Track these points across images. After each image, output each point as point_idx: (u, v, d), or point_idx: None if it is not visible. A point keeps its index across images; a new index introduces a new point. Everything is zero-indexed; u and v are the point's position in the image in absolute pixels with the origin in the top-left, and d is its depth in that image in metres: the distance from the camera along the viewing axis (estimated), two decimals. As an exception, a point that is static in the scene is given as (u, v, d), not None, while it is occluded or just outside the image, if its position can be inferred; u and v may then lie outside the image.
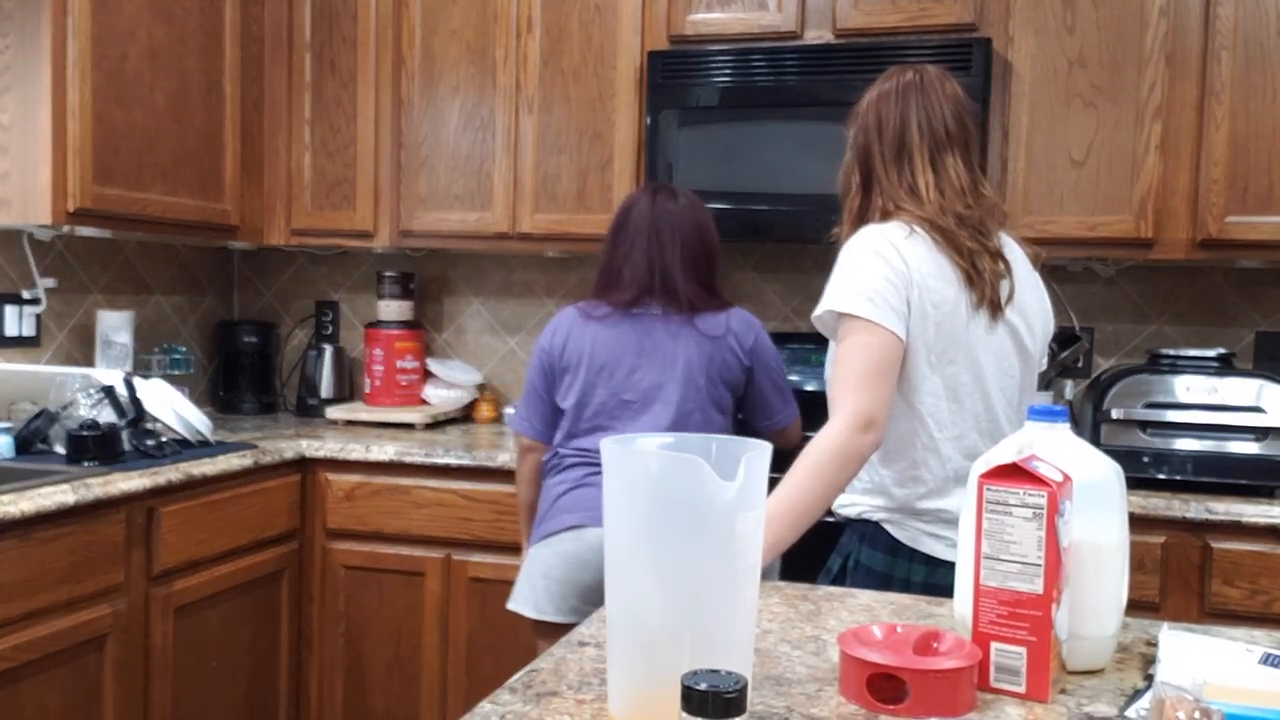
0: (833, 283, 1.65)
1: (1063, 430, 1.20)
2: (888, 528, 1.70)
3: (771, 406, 2.31)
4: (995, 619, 1.09)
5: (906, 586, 1.64)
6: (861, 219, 1.73)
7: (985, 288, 1.65)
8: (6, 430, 2.38)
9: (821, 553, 1.79)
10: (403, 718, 2.77)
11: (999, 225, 1.73)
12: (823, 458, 1.54)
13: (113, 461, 2.30)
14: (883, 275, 1.60)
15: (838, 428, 1.56)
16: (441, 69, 3.02)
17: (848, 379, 1.59)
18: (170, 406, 2.57)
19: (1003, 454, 1.16)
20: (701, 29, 2.81)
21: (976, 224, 1.67)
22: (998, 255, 1.67)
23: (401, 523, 2.75)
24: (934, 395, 1.65)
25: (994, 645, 1.09)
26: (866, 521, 1.72)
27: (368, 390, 3.24)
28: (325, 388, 3.36)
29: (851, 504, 1.75)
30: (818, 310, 1.66)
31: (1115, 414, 2.38)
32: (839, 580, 1.73)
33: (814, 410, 1.97)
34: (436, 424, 3.16)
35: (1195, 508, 2.23)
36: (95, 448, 2.29)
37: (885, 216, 1.69)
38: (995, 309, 1.66)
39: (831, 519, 1.73)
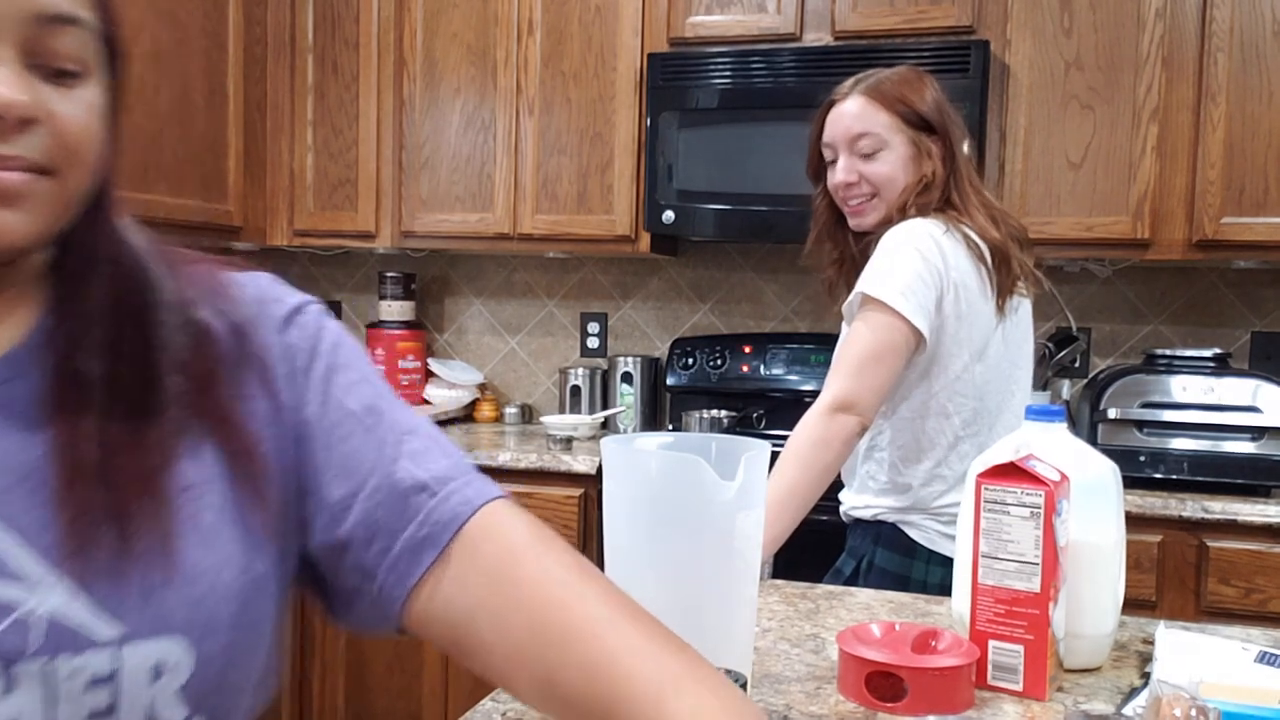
0: (868, 270, 1.65)
1: (1060, 430, 1.21)
2: (904, 529, 1.71)
3: None
4: (993, 617, 1.09)
5: (924, 588, 1.64)
6: (919, 210, 1.71)
7: (1009, 286, 1.69)
8: (10, 431, 2.37)
9: (817, 552, 1.80)
10: (405, 715, 2.78)
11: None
12: (802, 445, 1.56)
13: (115, 462, 2.26)
14: (916, 270, 1.61)
15: (812, 413, 1.58)
16: (443, 71, 3.03)
17: (842, 361, 1.62)
18: (173, 407, 2.57)
19: (1000, 453, 1.17)
20: (701, 31, 2.82)
21: (1014, 226, 1.73)
22: (1017, 254, 1.71)
23: (403, 522, 2.75)
24: (963, 394, 1.68)
25: (991, 643, 1.09)
26: (882, 523, 1.73)
27: (369, 390, 3.25)
28: (326, 388, 3.37)
29: (865, 505, 1.75)
30: (850, 296, 1.67)
31: (1112, 414, 2.39)
32: (852, 583, 1.72)
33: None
34: (438, 424, 3.15)
35: (1191, 507, 2.24)
36: (98, 448, 2.27)
37: (936, 212, 1.70)
38: (1010, 303, 1.70)
39: (826, 518, 1.74)
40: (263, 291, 0.74)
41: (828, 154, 1.79)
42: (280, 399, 0.70)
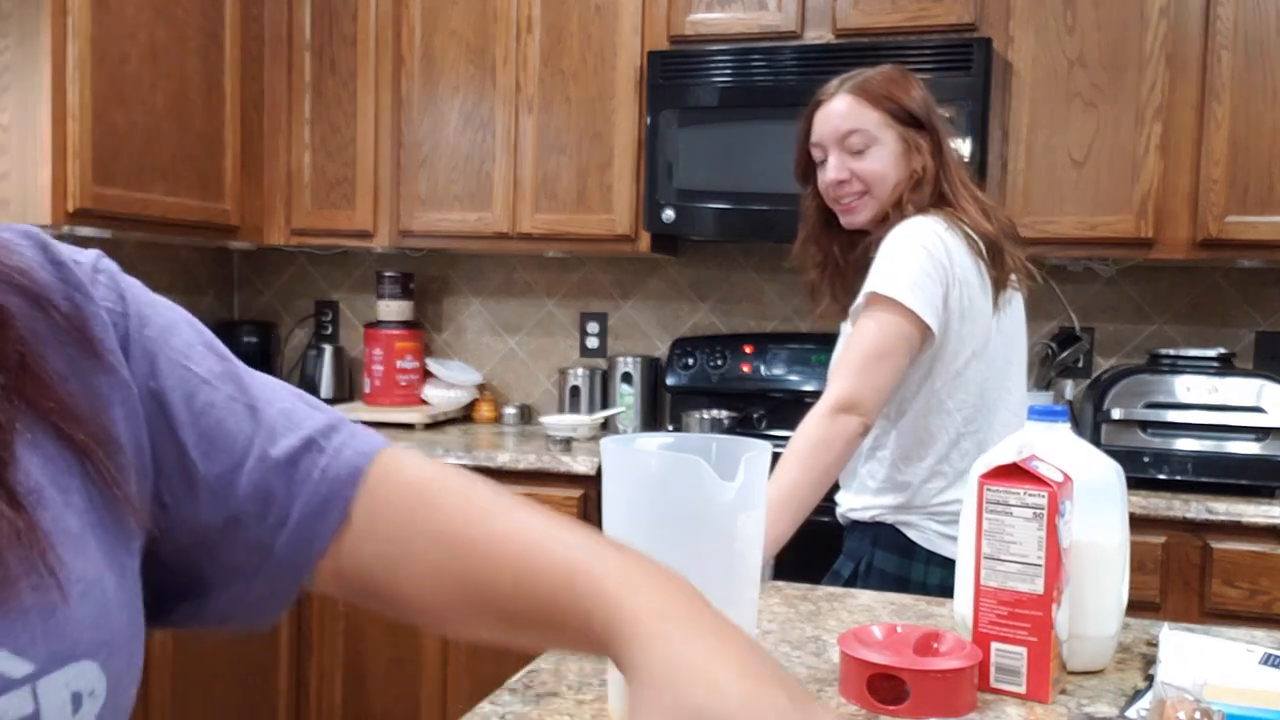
0: (874, 271, 1.64)
1: (1063, 430, 1.20)
2: (903, 530, 1.70)
3: None
4: (995, 619, 1.08)
5: (923, 589, 1.63)
6: (915, 207, 1.71)
7: (1002, 280, 1.69)
8: (6, 430, 2.36)
9: (817, 554, 1.78)
10: (402, 718, 2.77)
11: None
12: (803, 446, 1.55)
13: (111, 462, 2.24)
14: (923, 266, 1.61)
15: (815, 413, 1.57)
16: (441, 68, 3.01)
17: (845, 361, 1.61)
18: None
19: (1003, 454, 1.16)
20: (701, 29, 2.80)
21: (1003, 220, 1.74)
22: (1009, 248, 1.71)
23: (401, 523, 2.74)
24: (964, 391, 1.68)
25: (994, 645, 1.08)
26: (880, 524, 1.72)
27: (367, 390, 3.24)
28: (325, 388, 3.35)
29: (863, 506, 1.74)
30: (857, 300, 1.66)
31: (1115, 414, 2.38)
32: (850, 585, 1.71)
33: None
34: (436, 424, 3.16)
35: (1195, 508, 2.23)
36: (94, 448, 2.26)
37: (932, 208, 1.69)
38: (1003, 298, 1.70)
39: (826, 519, 1.73)
40: (50, 251, 0.60)
41: (816, 154, 1.78)
42: (119, 373, 0.60)
